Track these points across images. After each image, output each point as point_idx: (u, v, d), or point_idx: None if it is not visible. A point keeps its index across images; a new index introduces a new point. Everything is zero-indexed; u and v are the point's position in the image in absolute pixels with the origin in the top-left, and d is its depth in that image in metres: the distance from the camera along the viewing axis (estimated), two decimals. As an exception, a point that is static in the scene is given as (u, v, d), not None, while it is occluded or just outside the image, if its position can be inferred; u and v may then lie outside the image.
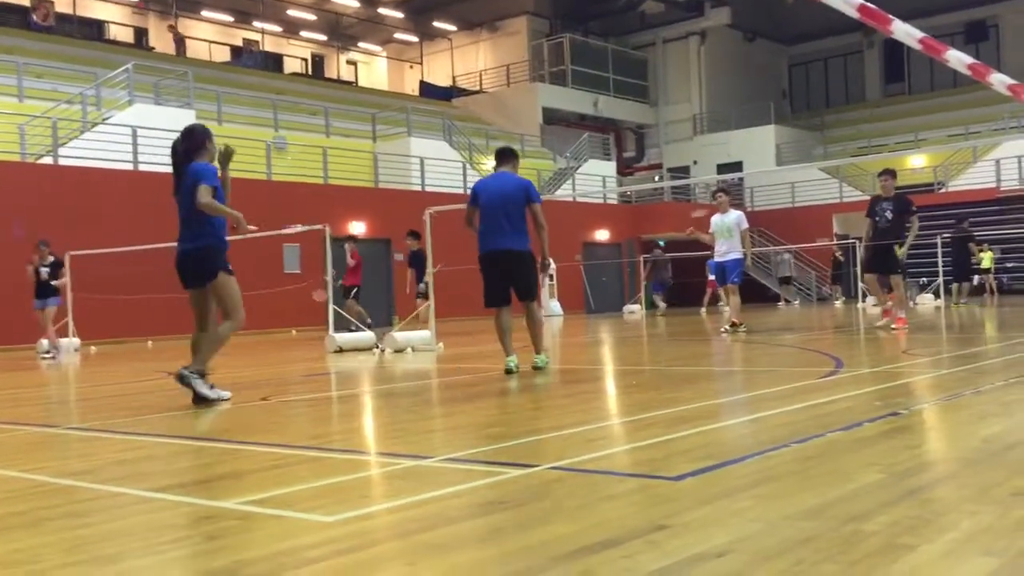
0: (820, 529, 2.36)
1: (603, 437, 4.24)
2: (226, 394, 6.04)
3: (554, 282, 27.59)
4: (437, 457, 3.72)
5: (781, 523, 2.44)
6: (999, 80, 1.93)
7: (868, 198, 12.47)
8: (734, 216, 12.46)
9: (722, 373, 7.60)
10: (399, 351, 11.19)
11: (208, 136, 6.29)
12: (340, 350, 11.83)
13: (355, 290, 16.15)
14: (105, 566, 2.32)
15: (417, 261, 15.54)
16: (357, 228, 23.87)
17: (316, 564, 2.26)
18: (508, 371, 7.30)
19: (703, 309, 23.97)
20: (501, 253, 7.51)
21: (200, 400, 5.88)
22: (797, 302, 29.35)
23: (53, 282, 13.85)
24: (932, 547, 2.17)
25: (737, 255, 12.45)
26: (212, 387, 5.99)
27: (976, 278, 22.26)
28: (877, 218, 11.51)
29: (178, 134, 6.31)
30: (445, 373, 8.44)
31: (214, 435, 4.83)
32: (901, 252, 11.37)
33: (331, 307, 12.28)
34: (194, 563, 2.32)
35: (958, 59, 2.03)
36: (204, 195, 5.89)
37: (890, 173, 11.71)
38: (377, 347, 11.76)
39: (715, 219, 12.64)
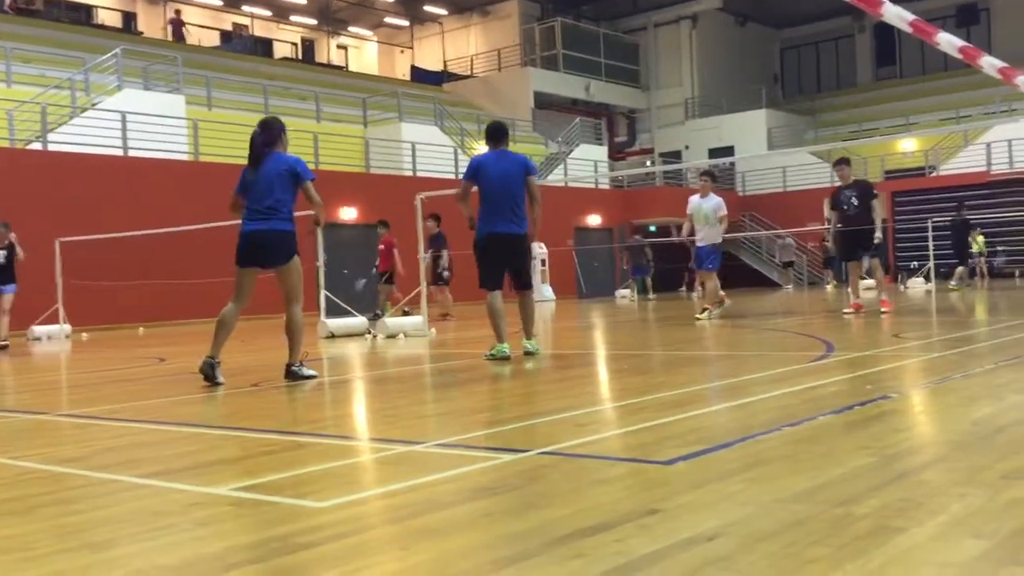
0: (811, 512, 2.37)
1: (594, 422, 4.25)
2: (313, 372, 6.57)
3: (546, 267, 27.58)
4: (429, 442, 3.73)
5: (772, 506, 2.45)
6: (990, 63, 1.93)
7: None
8: (714, 202, 12.29)
9: (713, 357, 7.62)
10: (391, 337, 11.18)
11: (283, 129, 6.67)
12: (332, 336, 11.82)
13: (387, 275, 16.12)
14: (97, 552, 2.32)
15: (436, 244, 15.53)
16: (348, 214, 23.81)
17: (309, 550, 2.26)
18: (504, 357, 7.26)
19: (691, 292, 23.99)
20: (505, 237, 7.38)
21: (297, 377, 6.38)
22: (791, 287, 29.41)
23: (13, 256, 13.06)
24: (922, 530, 2.18)
25: (716, 241, 12.33)
26: (301, 365, 6.50)
27: (969, 262, 22.37)
28: (844, 206, 11.72)
29: (257, 127, 6.66)
30: (437, 359, 8.44)
31: (205, 421, 4.83)
32: (878, 237, 11.51)
33: (323, 292, 12.26)
34: (185, 549, 2.32)
35: (949, 42, 2.02)
36: (316, 194, 6.48)
37: (844, 162, 12.06)
38: (369, 333, 11.76)
39: (694, 201, 12.39)
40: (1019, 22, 38.46)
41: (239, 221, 6.54)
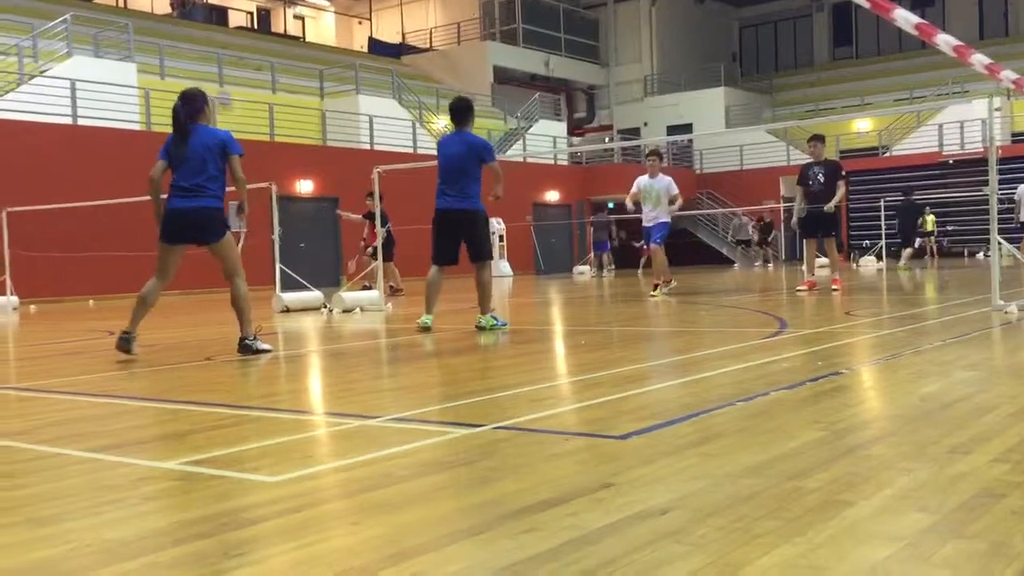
0: (762, 486, 2.39)
1: (550, 397, 4.26)
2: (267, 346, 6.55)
3: (503, 243, 27.56)
4: (384, 417, 3.71)
5: (724, 480, 2.47)
6: (945, 41, 1.94)
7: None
8: (665, 182, 12.36)
9: (669, 333, 7.67)
10: (347, 311, 11.11)
11: (206, 100, 6.50)
12: (287, 310, 11.71)
13: (373, 249, 15.92)
14: (42, 527, 2.27)
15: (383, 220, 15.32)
16: (305, 187, 23.57)
17: (259, 524, 2.23)
18: (424, 328, 7.59)
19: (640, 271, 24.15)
20: (452, 213, 7.62)
21: (251, 352, 6.31)
22: (736, 265, 29.70)
23: None
24: (869, 503, 2.21)
25: (665, 219, 12.44)
26: (255, 338, 6.44)
27: (918, 241, 22.78)
28: (811, 182, 11.80)
29: (178, 99, 6.48)
30: (393, 333, 8.41)
31: (155, 395, 4.76)
32: (828, 207, 11.63)
33: (278, 265, 12.13)
34: (133, 524, 2.28)
35: (905, 18, 2.03)
36: (241, 170, 6.34)
37: (819, 139, 12.10)
38: (325, 307, 11.67)
39: (643, 181, 12.43)
40: (972, 4, 39.03)
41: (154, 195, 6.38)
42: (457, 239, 7.71)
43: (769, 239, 29.47)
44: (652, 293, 12.38)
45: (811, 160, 12.13)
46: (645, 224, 12.65)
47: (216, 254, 6.40)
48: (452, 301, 13.25)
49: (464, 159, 7.60)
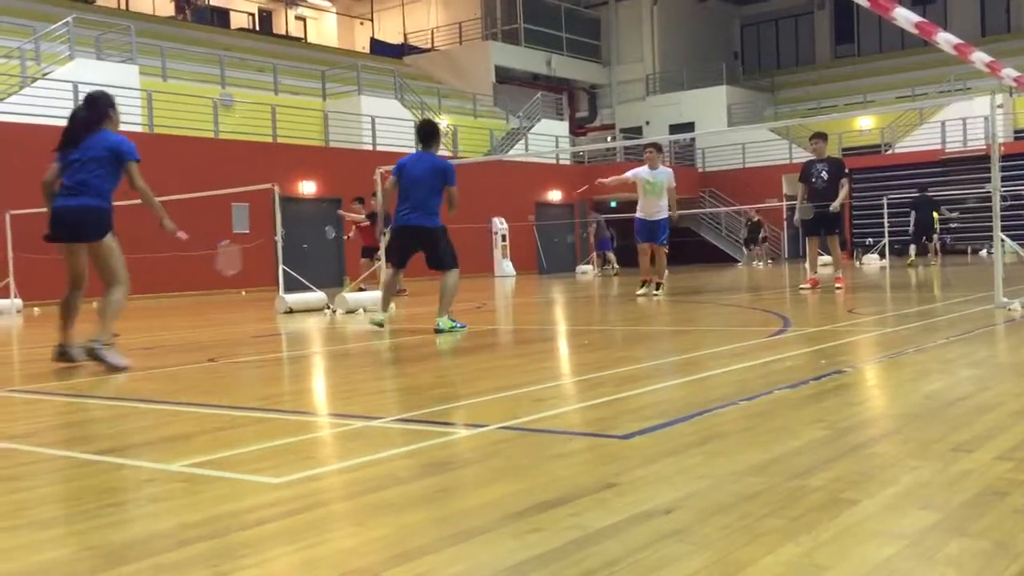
0: (765, 485, 2.39)
1: (553, 397, 4.26)
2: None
3: (506, 243, 27.57)
4: (387, 418, 3.71)
5: (727, 479, 2.47)
6: (945, 39, 1.94)
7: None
8: (667, 173, 11.88)
9: (672, 332, 7.67)
10: (350, 312, 11.12)
11: (112, 104, 6.24)
12: (290, 311, 11.72)
13: (373, 250, 15.93)
14: (47, 529, 2.28)
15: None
16: (307, 188, 23.58)
17: (263, 526, 2.23)
18: (378, 324, 8.26)
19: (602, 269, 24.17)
20: (414, 229, 8.03)
21: (96, 358, 5.77)
22: (741, 264, 29.65)
23: None
24: (873, 502, 2.21)
25: (665, 215, 11.96)
26: (109, 346, 5.92)
27: (935, 237, 22.76)
28: (813, 180, 11.73)
29: (83, 102, 6.25)
30: (396, 334, 8.41)
31: (159, 397, 4.76)
32: (834, 207, 11.57)
33: (280, 267, 12.14)
34: (138, 526, 2.29)
35: (906, 17, 2.03)
36: (141, 178, 6.09)
37: (821, 136, 11.99)
38: (328, 308, 11.68)
39: (643, 172, 11.92)
40: (973, 2, 38.98)
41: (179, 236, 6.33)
42: (416, 250, 8.17)
43: (759, 238, 29.39)
44: (655, 292, 12.02)
45: (813, 158, 12.09)
46: (648, 218, 11.97)
47: (93, 255, 6.09)
48: (454, 302, 13.25)
49: (428, 180, 7.94)
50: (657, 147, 12.22)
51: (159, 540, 2.16)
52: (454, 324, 7.88)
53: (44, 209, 6.14)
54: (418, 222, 7.96)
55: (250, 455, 3.10)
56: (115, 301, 6.06)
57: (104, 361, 5.71)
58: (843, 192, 11.63)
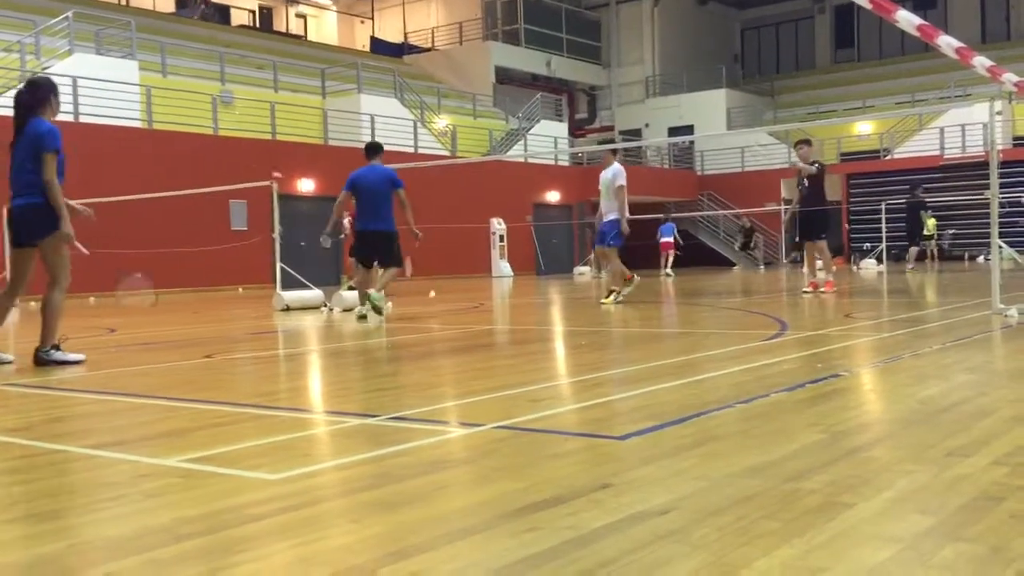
0: (761, 487, 2.39)
1: (549, 397, 4.26)
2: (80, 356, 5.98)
3: (504, 243, 27.57)
4: (384, 416, 3.71)
5: (723, 481, 2.47)
6: (947, 43, 1.94)
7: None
8: (611, 171, 10.98)
9: (669, 335, 7.67)
10: (347, 310, 11.11)
11: (53, 91, 6.05)
12: (287, 308, 11.71)
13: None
14: (42, 523, 2.28)
15: None
16: (306, 186, 23.57)
17: (259, 522, 2.23)
18: (361, 317, 9.26)
19: (663, 272, 24.13)
20: (373, 233, 9.40)
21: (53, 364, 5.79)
22: (737, 267, 29.68)
23: None
24: (869, 505, 2.22)
25: (613, 216, 10.96)
26: (58, 348, 5.93)
27: (920, 243, 22.76)
28: (799, 186, 11.93)
29: (24, 86, 6.06)
30: (393, 332, 8.41)
31: (156, 392, 4.76)
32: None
33: (278, 264, 12.14)
34: (134, 521, 2.28)
35: (907, 20, 2.03)
36: (49, 170, 5.81)
37: (805, 142, 12.08)
38: (325, 306, 11.67)
39: (601, 175, 11.28)
40: (974, 7, 39.02)
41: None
42: (372, 252, 9.52)
43: (751, 244, 29.40)
44: (604, 300, 11.03)
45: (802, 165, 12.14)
46: (603, 219, 11.21)
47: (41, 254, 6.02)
48: (450, 301, 13.26)
49: (380, 187, 9.32)
50: (613, 151, 11.66)
51: (154, 535, 2.16)
52: (381, 299, 9.35)
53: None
54: (377, 227, 9.34)
55: (246, 451, 3.10)
56: (56, 304, 6.01)
57: (62, 361, 5.78)
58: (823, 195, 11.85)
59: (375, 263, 9.66)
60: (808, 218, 11.79)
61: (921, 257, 23.36)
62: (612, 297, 10.98)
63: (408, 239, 9.68)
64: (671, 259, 24.82)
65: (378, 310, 9.22)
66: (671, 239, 25.30)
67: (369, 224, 9.42)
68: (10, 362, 5.96)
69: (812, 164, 11.99)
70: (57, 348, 5.90)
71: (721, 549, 1.92)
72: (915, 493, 2.32)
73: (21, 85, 5.86)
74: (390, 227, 9.46)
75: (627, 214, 10.99)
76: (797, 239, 12.68)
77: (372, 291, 9.30)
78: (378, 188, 9.34)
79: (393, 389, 4.83)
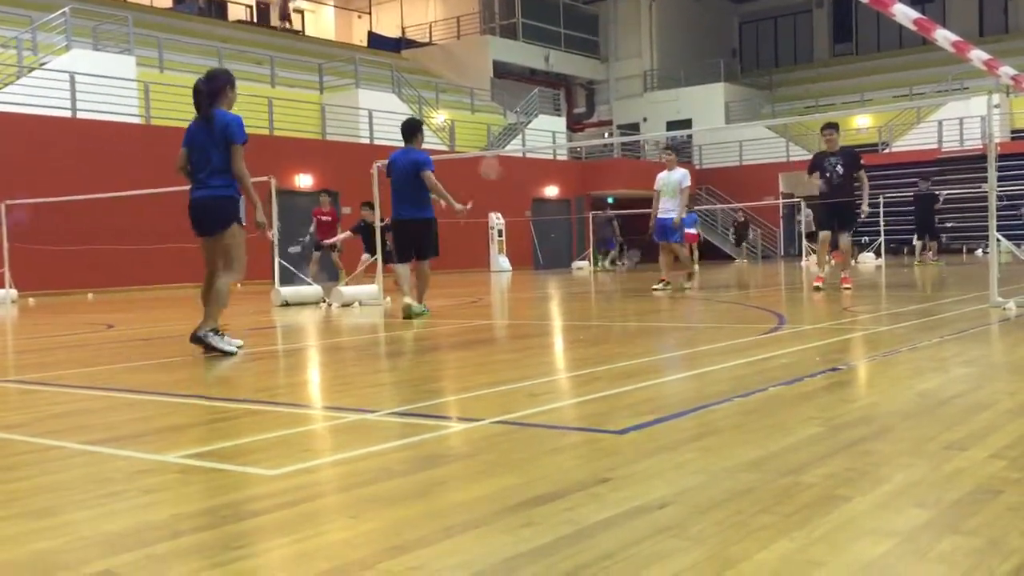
0: (759, 481, 2.39)
1: (548, 391, 4.26)
2: (238, 342, 6.16)
3: (503, 238, 27.56)
4: (382, 411, 3.71)
5: (721, 475, 2.47)
6: (944, 36, 1.94)
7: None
8: (678, 174, 12.50)
9: (668, 329, 7.67)
10: (346, 306, 11.11)
11: (230, 82, 6.19)
12: (286, 304, 11.71)
13: (327, 245, 15.75)
14: (40, 519, 2.27)
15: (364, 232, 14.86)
16: (304, 181, 23.55)
17: (258, 517, 2.24)
18: (409, 316, 8.58)
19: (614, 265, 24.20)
20: (407, 221, 8.91)
21: (213, 351, 5.90)
22: (745, 260, 29.66)
23: None
24: (867, 498, 2.22)
25: (674, 213, 12.55)
26: (224, 337, 6.02)
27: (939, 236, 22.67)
28: (828, 174, 11.04)
29: (200, 78, 6.16)
30: (392, 328, 8.41)
31: (154, 388, 4.75)
32: (863, 210, 11.07)
33: (276, 260, 12.13)
34: (132, 516, 2.28)
35: (904, 13, 2.03)
36: (240, 161, 5.93)
37: (834, 127, 11.27)
38: (324, 301, 11.67)
39: (661, 176, 12.72)
40: (972, 1, 38.98)
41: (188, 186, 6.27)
42: (410, 242, 9.03)
43: (745, 239, 29.28)
44: (685, 285, 12.68)
45: (825, 150, 11.25)
46: (660, 216, 12.69)
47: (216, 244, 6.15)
48: (448, 296, 13.26)
49: (410, 173, 8.78)
50: (672, 149, 13.46)
51: (153, 531, 2.16)
52: (424, 310, 8.94)
53: (33, 200, 6.10)
54: (408, 215, 8.86)
55: (245, 447, 3.10)
56: (220, 290, 6.07)
57: (213, 347, 5.87)
58: (865, 191, 11.07)
59: (412, 258, 9.11)
60: (840, 208, 11.04)
61: (921, 250, 23.22)
62: (688, 282, 12.89)
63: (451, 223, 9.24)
64: (695, 252, 24.38)
65: (416, 315, 8.69)
66: (695, 231, 24.57)
67: (399, 212, 8.94)
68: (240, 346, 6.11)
69: (839, 151, 11.17)
70: (216, 332, 5.99)
71: (720, 543, 1.92)
72: (913, 486, 2.32)
73: (200, 76, 6.07)
74: (421, 214, 8.90)
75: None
76: (817, 229, 11.79)
77: (413, 303, 8.76)
78: (406, 173, 8.83)
79: (391, 384, 4.83)
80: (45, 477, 2.77)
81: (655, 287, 12.52)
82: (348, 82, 27.52)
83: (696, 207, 32.63)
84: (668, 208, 12.55)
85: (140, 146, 19.59)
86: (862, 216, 11.17)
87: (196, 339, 5.93)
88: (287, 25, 35.92)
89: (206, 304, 6.07)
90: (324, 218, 15.92)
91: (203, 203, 6.03)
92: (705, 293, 12.34)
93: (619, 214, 27.46)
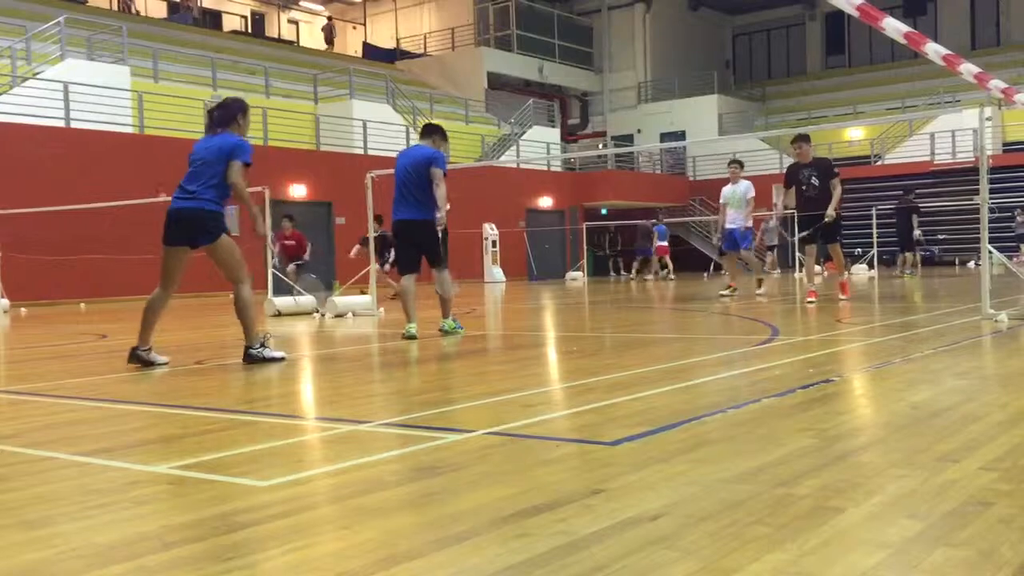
0: (752, 492, 2.40)
1: (542, 403, 4.26)
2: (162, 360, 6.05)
3: (496, 249, 27.55)
4: (375, 422, 3.70)
5: (714, 486, 2.48)
6: (934, 50, 1.95)
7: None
8: (743, 186, 13.45)
9: (662, 340, 7.68)
10: (339, 316, 11.10)
11: (242, 110, 6.29)
12: (279, 314, 11.70)
13: (296, 260, 15.82)
14: (31, 530, 2.27)
15: (386, 241, 14.73)
16: (298, 191, 23.54)
17: (250, 528, 2.23)
18: (410, 337, 7.60)
19: (664, 275, 24.31)
20: (407, 223, 7.93)
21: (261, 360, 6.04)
22: (777, 272, 29.43)
23: None
24: (859, 510, 2.22)
25: (740, 223, 13.51)
26: (266, 347, 6.14)
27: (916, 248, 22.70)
28: (804, 187, 11.05)
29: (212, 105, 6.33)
30: (385, 338, 8.40)
31: (147, 399, 4.74)
32: (830, 215, 10.99)
33: (270, 270, 12.12)
34: (123, 528, 2.28)
35: (895, 27, 2.04)
36: (236, 174, 5.98)
37: (804, 139, 11.29)
38: (317, 312, 11.66)
39: (726, 189, 13.67)
40: (964, 14, 39.21)
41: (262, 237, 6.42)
42: (413, 247, 8.03)
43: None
44: (757, 292, 13.24)
45: (797, 162, 11.29)
46: (729, 226, 13.56)
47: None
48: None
49: (415, 170, 7.90)
50: (738, 163, 14.23)
51: (144, 542, 2.15)
52: (456, 326, 8.12)
53: (26, 210, 6.17)
54: (407, 215, 7.94)
55: (238, 458, 3.09)
56: (244, 299, 6.17)
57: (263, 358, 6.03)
58: (836, 195, 10.98)
59: (418, 268, 8.11)
60: (819, 219, 11.02)
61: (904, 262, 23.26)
62: (761, 287, 13.50)
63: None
64: (669, 263, 24.94)
65: (450, 332, 8.01)
66: (665, 243, 25.32)
67: (399, 213, 7.93)
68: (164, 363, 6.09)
69: (812, 162, 11.31)
70: (264, 344, 6.13)
71: (712, 554, 1.93)
72: (905, 498, 2.33)
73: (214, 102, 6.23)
74: (421, 215, 7.86)
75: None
76: (804, 237, 11.64)
77: (446, 319, 8.07)
78: (409, 170, 7.86)
79: (385, 395, 4.82)
80: (36, 488, 2.76)
81: (722, 292, 13.14)
82: (342, 92, 27.54)
83: (688, 218, 32.76)
84: (736, 218, 13.37)
85: (134, 156, 19.56)
86: (826, 219, 11.00)
87: (250, 358, 6.05)
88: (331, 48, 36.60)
89: (147, 319, 6.10)
90: (288, 242, 15.93)
91: (190, 214, 6.02)
92: (699, 305, 12.35)
93: (621, 223, 27.32)
